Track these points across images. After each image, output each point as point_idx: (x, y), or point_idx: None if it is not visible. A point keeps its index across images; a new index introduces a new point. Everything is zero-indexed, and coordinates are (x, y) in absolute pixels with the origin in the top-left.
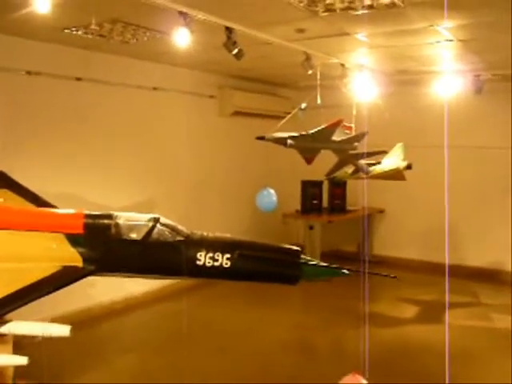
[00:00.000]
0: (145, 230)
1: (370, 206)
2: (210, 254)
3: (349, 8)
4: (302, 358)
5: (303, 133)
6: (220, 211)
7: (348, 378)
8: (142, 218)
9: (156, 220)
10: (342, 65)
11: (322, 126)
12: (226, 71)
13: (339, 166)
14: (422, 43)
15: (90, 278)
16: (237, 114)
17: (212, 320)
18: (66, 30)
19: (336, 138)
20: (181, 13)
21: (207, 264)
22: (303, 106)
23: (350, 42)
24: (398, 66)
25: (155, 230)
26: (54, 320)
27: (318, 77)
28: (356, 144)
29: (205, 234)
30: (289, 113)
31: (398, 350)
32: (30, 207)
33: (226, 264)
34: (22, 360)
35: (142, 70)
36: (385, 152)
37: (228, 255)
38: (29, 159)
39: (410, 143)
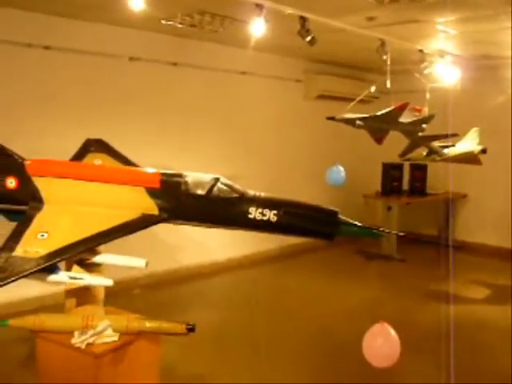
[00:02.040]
0: (208, 187)
1: (453, 190)
2: (260, 210)
3: None
4: (365, 325)
5: (371, 114)
6: (302, 188)
7: (376, 327)
8: (206, 178)
9: (217, 179)
10: (420, 50)
11: (389, 109)
12: (311, 56)
13: (411, 147)
14: (497, 29)
15: (180, 244)
16: (321, 97)
17: (287, 287)
18: (162, 21)
19: (404, 119)
20: (257, 5)
21: (257, 217)
22: (373, 89)
23: (423, 28)
24: (477, 51)
25: (216, 188)
26: (140, 278)
27: (389, 62)
28: (424, 126)
29: (257, 193)
30: (374, 96)
31: (464, 325)
32: (120, 166)
33: (273, 219)
34: (109, 282)
35: (232, 56)
36: (456, 135)
37: (275, 211)
38: (128, 133)
39: (490, 128)
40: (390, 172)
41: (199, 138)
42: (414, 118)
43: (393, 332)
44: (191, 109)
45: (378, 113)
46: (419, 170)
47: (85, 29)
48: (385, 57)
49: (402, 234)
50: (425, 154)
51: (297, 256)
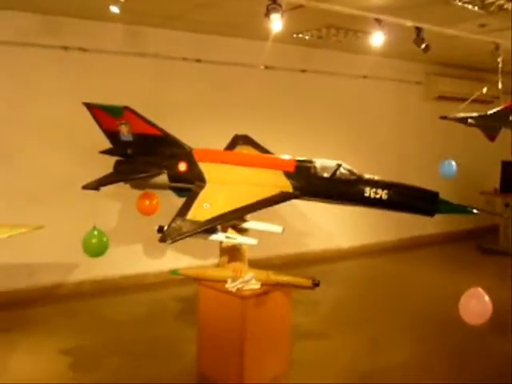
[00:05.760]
0: (332, 171)
1: None
2: (374, 190)
3: None
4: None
5: (482, 113)
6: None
7: (471, 291)
8: (331, 163)
9: (339, 165)
10: None
11: (499, 108)
12: (430, 59)
13: None
14: None
15: (308, 230)
16: (441, 98)
17: (403, 273)
18: (294, 35)
19: None
20: (376, 19)
21: (371, 196)
22: (484, 90)
23: None
24: None
25: (338, 172)
26: (273, 258)
27: (500, 65)
28: None
29: (371, 176)
30: (495, 96)
31: None
32: (263, 155)
33: (385, 197)
34: (254, 241)
35: (354, 62)
36: None
37: (386, 191)
38: (264, 129)
39: None
40: (510, 170)
41: (326, 134)
42: None
43: (486, 296)
44: (318, 110)
45: (489, 112)
46: None
47: (229, 43)
48: (499, 59)
49: (497, 214)
50: None
51: (415, 249)
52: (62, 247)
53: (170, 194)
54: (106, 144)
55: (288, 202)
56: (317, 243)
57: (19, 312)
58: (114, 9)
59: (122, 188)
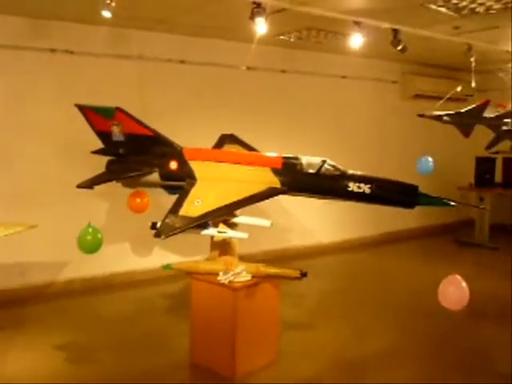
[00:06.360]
0: (317, 167)
1: None
2: (357, 184)
3: (489, 9)
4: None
5: (457, 111)
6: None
7: (449, 278)
8: (316, 160)
9: (324, 161)
10: (508, 52)
11: (472, 106)
12: (407, 59)
13: (496, 140)
14: None
15: (290, 226)
16: (417, 97)
17: (383, 266)
18: (276, 37)
19: (488, 115)
20: (355, 22)
21: (355, 190)
22: (459, 88)
23: (507, 32)
24: None
25: (323, 168)
26: (256, 254)
27: (473, 64)
28: (508, 120)
29: (354, 172)
30: (469, 95)
31: None
32: (251, 152)
33: (367, 191)
34: (245, 235)
35: (333, 62)
36: None
37: (368, 185)
38: (247, 128)
39: None
40: (484, 165)
41: (309, 133)
42: (497, 113)
43: (464, 283)
44: (301, 109)
45: (463, 109)
46: None
47: (212, 45)
48: (471, 59)
49: (474, 206)
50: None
51: (394, 243)
52: (53, 246)
53: (159, 193)
54: (97, 144)
55: (271, 199)
56: (299, 239)
57: (13, 310)
58: (106, 13)
59: (111, 187)
